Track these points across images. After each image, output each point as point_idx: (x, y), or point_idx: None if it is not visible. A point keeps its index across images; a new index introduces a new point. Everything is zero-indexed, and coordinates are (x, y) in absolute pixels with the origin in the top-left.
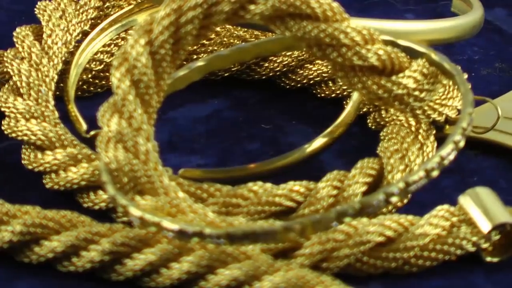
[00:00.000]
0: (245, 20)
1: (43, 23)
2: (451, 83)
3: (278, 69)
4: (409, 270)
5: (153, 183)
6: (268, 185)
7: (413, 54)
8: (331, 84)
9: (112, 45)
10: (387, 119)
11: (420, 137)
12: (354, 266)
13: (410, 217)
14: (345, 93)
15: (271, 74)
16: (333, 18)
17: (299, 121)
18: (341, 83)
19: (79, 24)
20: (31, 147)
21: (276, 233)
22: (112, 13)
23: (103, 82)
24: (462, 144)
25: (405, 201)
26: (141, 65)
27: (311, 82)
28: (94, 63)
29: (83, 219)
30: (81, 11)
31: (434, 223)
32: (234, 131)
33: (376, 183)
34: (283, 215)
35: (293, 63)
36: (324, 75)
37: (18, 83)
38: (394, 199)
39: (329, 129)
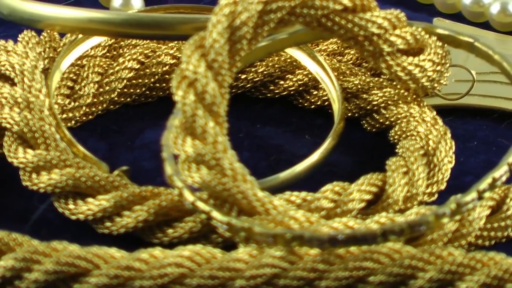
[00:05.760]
0: (292, 25)
1: (14, 75)
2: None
3: None
4: None
5: (261, 200)
6: (341, 183)
7: None
8: (282, 82)
9: (61, 87)
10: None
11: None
12: (470, 242)
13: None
14: (284, 92)
15: None
16: (369, 7)
17: (263, 124)
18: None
19: (41, 72)
20: (72, 196)
21: (430, 223)
22: (51, 55)
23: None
24: None
25: None
26: (211, 89)
27: (258, 84)
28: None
29: (212, 250)
30: (36, 59)
31: None
32: None
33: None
34: (363, 210)
35: None
36: (273, 74)
37: (28, 135)
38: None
39: (334, 127)
